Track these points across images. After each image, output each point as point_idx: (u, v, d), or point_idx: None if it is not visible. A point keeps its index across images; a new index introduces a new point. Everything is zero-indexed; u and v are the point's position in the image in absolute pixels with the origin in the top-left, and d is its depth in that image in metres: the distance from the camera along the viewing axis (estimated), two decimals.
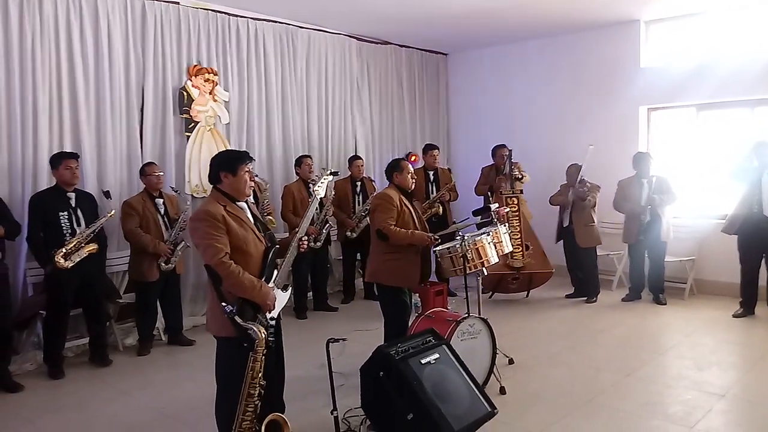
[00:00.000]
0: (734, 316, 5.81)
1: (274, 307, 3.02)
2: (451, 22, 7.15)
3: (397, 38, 8.07)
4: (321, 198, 3.53)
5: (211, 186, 3.16)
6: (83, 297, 4.79)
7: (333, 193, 6.62)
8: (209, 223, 2.93)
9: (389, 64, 8.18)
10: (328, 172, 3.70)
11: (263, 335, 2.74)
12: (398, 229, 4.03)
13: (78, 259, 4.51)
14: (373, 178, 7.33)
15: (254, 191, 5.93)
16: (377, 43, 7.99)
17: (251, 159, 3.22)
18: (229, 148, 6.10)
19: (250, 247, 3.03)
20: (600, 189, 6.47)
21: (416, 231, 4.12)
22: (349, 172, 6.79)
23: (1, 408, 4.09)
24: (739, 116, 6.76)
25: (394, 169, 4.26)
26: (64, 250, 4.45)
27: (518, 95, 8.27)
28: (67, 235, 4.58)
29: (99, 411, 4.03)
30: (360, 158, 6.95)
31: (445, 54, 9.04)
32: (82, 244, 4.57)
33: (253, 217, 3.19)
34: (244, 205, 3.16)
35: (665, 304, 6.31)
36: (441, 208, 6.77)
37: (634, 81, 7.23)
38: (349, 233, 6.61)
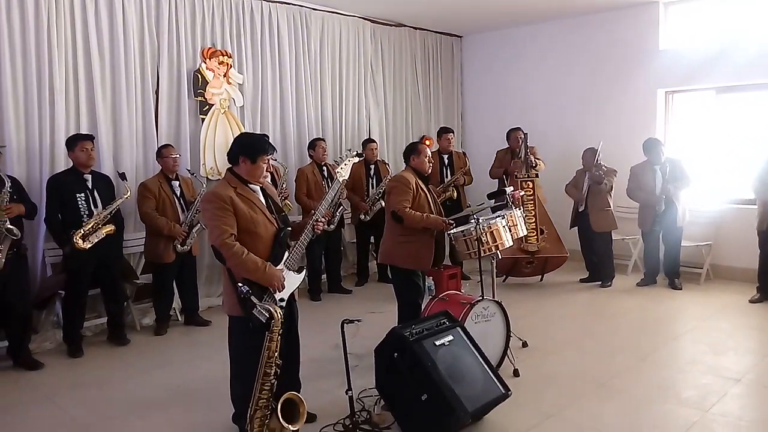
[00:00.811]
0: (751, 301, 5.76)
1: (281, 288, 3.04)
2: (465, 4, 7.07)
3: (411, 20, 7.99)
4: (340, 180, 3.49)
5: (228, 165, 3.19)
6: (101, 277, 4.85)
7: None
8: (216, 205, 2.99)
9: (403, 47, 8.12)
10: (354, 153, 3.62)
11: (279, 315, 2.76)
12: (413, 211, 4.02)
13: (96, 240, 4.56)
14: (386, 161, 7.31)
15: (273, 175, 5.95)
16: (391, 25, 7.93)
17: (274, 150, 3.24)
18: (244, 131, 6.12)
19: (259, 228, 3.06)
20: (617, 173, 6.40)
21: (431, 214, 4.11)
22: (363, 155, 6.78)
23: (22, 385, 4.18)
24: (759, 99, 6.63)
25: (411, 152, 4.25)
26: (82, 231, 4.50)
27: (533, 78, 8.17)
28: (85, 216, 4.62)
29: (118, 388, 4.10)
30: (374, 141, 6.93)
31: (460, 36, 8.95)
32: (100, 225, 4.62)
33: (266, 199, 3.21)
34: (256, 187, 3.18)
35: (681, 288, 6.26)
36: (455, 192, 6.75)
37: (653, 63, 7.12)
38: (362, 216, 6.62)
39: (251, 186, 3.15)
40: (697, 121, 7.12)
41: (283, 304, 3.07)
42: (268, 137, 6.23)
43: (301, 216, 6.29)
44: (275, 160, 6.20)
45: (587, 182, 6.40)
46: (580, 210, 6.53)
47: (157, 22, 5.69)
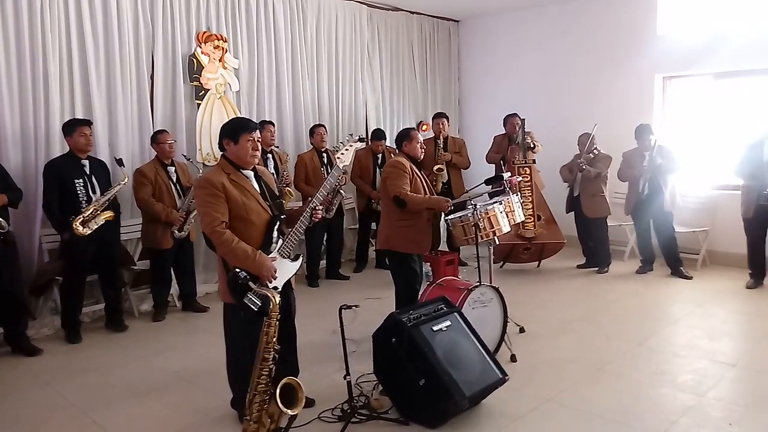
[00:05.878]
0: (747, 287, 5.79)
1: (273, 278, 3.02)
2: None
3: (408, 4, 7.92)
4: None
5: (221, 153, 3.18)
6: (99, 263, 4.84)
7: (350, 164, 6.59)
8: (207, 191, 2.97)
9: (400, 31, 8.07)
10: (356, 138, 3.50)
11: (277, 299, 2.76)
12: (414, 194, 4.04)
13: (95, 227, 4.56)
14: (392, 148, 7.27)
15: (275, 162, 5.93)
16: (388, 9, 7.87)
17: (256, 126, 3.17)
18: (239, 116, 6.08)
19: (252, 215, 3.04)
20: (611, 159, 6.38)
21: (432, 195, 4.14)
22: (368, 144, 6.76)
23: (21, 371, 4.19)
24: (757, 85, 6.60)
25: (404, 138, 4.27)
26: (81, 218, 4.49)
27: (531, 63, 8.14)
28: (83, 202, 4.60)
29: (116, 374, 4.11)
30: (384, 137, 6.77)
31: (457, 21, 8.89)
32: (99, 212, 4.60)
33: (261, 185, 3.18)
34: (249, 173, 3.16)
35: (691, 278, 6.15)
36: (447, 175, 6.69)
37: (650, 49, 7.08)
38: (375, 205, 6.58)
39: (244, 172, 3.13)
40: (695, 107, 7.10)
41: (276, 292, 3.06)
42: (274, 123, 6.21)
43: (301, 203, 6.27)
44: (277, 147, 6.19)
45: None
46: (574, 195, 6.52)
47: (151, 5, 5.63)
